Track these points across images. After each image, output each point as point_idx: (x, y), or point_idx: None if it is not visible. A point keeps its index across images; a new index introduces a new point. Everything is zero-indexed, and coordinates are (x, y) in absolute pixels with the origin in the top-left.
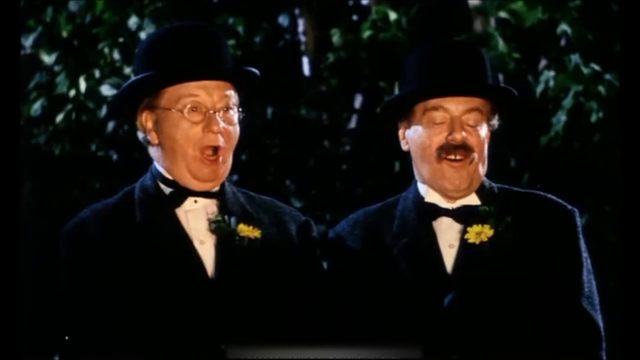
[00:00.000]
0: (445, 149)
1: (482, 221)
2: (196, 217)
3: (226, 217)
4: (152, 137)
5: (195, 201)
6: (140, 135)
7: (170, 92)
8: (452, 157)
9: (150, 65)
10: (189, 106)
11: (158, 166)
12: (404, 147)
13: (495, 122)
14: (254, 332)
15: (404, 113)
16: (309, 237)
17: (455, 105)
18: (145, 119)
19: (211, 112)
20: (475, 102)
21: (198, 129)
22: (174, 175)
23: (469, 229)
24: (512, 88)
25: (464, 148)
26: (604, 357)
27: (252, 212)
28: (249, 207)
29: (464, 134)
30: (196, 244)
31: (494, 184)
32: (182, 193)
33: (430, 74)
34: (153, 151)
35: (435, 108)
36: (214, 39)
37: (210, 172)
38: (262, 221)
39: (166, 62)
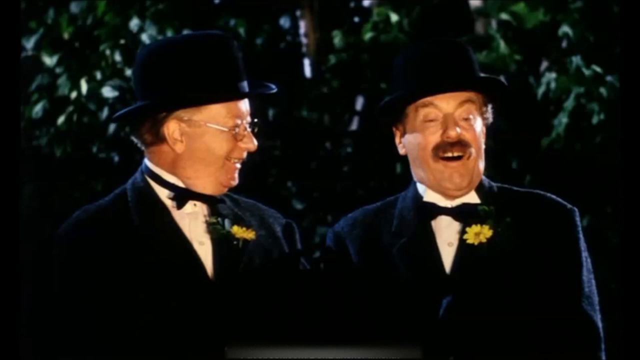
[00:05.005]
0: (441, 147)
1: (481, 221)
2: (195, 219)
3: (220, 219)
4: (178, 146)
5: (195, 204)
6: (147, 139)
7: (214, 110)
8: (450, 154)
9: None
10: (231, 123)
11: (157, 169)
12: (401, 152)
13: (489, 115)
14: (256, 332)
15: (397, 116)
16: (294, 239)
17: (446, 102)
18: (172, 129)
19: (245, 126)
20: (466, 95)
21: (237, 143)
22: (190, 182)
23: (467, 229)
24: (502, 79)
25: (461, 144)
26: (604, 358)
27: (241, 214)
28: (237, 210)
29: (458, 129)
30: (195, 245)
31: (493, 184)
32: (184, 196)
33: (417, 74)
34: (164, 156)
35: (426, 105)
36: None
37: (234, 179)
38: (251, 223)
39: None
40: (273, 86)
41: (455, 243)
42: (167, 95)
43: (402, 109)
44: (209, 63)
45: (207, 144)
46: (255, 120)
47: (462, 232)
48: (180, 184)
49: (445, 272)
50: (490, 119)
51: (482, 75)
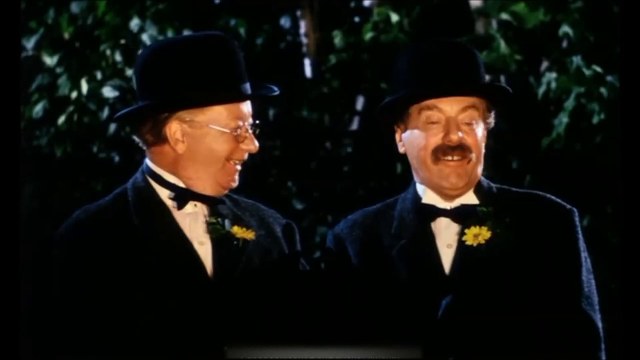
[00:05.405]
0: (442, 150)
1: (480, 222)
2: (195, 220)
3: (219, 219)
4: (179, 146)
5: (195, 205)
6: (149, 139)
7: (217, 111)
8: (449, 158)
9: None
10: (233, 125)
11: (158, 169)
12: (401, 150)
13: (491, 120)
14: (256, 332)
15: (399, 115)
16: (293, 239)
17: (450, 106)
18: (174, 130)
19: (246, 128)
20: (470, 100)
21: (238, 144)
22: (190, 183)
23: (466, 230)
24: (508, 87)
25: (461, 148)
26: (603, 358)
27: (240, 214)
28: (236, 210)
29: (460, 134)
30: (195, 245)
31: (492, 184)
32: (184, 196)
33: (423, 75)
34: (165, 156)
35: (429, 107)
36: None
37: (234, 180)
38: (251, 224)
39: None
40: (275, 88)
41: (455, 244)
42: (169, 95)
43: (404, 109)
44: (211, 64)
45: (208, 145)
46: (257, 122)
47: (461, 233)
48: (180, 184)
49: (444, 274)
50: (492, 124)
51: (487, 82)
